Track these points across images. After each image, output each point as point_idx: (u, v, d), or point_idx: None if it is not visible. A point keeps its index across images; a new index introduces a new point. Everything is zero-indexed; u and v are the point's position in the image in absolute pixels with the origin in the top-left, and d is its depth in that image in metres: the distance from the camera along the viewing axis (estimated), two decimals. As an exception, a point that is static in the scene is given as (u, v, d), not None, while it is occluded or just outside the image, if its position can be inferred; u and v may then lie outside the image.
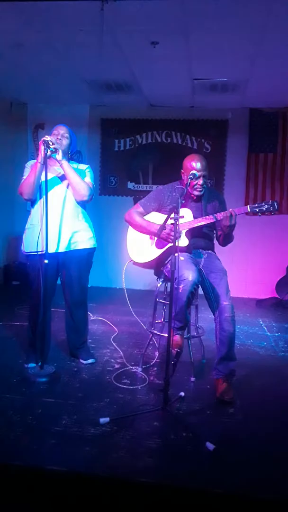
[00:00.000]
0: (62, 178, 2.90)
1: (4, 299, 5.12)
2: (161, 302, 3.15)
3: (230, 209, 2.69)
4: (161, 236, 2.71)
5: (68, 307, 3.05)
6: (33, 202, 2.91)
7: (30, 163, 2.92)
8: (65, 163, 2.80)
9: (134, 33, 3.29)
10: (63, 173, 2.84)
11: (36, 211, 2.87)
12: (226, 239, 2.87)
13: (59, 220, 2.86)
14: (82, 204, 2.95)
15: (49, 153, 2.69)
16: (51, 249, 2.79)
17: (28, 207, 3.00)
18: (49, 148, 2.68)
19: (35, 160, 2.80)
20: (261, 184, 5.50)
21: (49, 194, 2.73)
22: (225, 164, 5.60)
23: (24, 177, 2.86)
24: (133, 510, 1.81)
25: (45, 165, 2.67)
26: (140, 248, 2.97)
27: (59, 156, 2.76)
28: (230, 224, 2.67)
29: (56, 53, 3.78)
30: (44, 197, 2.69)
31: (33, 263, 2.87)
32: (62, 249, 2.86)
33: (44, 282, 2.74)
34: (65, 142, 2.87)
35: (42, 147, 2.67)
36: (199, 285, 2.71)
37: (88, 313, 3.26)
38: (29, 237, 2.88)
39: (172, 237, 2.42)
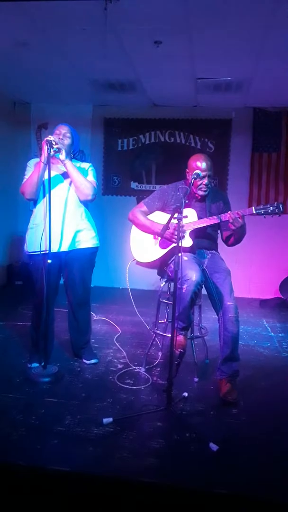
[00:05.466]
0: (65, 177, 2.89)
1: (7, 299, 5.12)
2: (164, 302, 3.14)
3: (236, 211, 2.67)
4: (165, 236, 2.70)
5: (71, 307, 3.04)
6: (35, 202, 2.91)
7: (32, 162, 2.92)
8: (68, 162, 2.79)
9: (137, 32, 3.28)
10: (66, 172, 2.84)
11: (39, 211, 2.87)
12: (237, 241, 2.83)
13: (62, 220, 2.85)
14: (84, 203, 2.95)
15: (52, 152, 2.69)
16: (54, 249, 2.78)
17: (31, 207, 2.99)
18: (53, 147, 2.68)
19: (38, 159, 2.80)
20: (265, 184, 5.48)
21: (52, 193, 2.73)
22: (229, 163, 5.58)
23: (26, 176, 2.86)
24: (136, 510, 1.80)
25: (48, 164, 2.67)
26: (143, 247, 2.96)
27: (62, 156, 2.76)
28: (240, 225, 2.65)
29: (59, 52, 3.78)
30: (48, 196, 2.69)
31: (36, 263, 2.86)
32: (65, 248, 2.86)
33: (48, 282, 2.74)
34: (67, 141, 2.86)
35: (45, 147, 2.67)
36: (203, 285, 2.70)
37: (91, 313, 3.26)
38: (32, 237, 2.88)
39: (176, 237, 2.41)
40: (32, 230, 2.90)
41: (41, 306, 2.85)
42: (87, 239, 2.95)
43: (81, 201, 2.91)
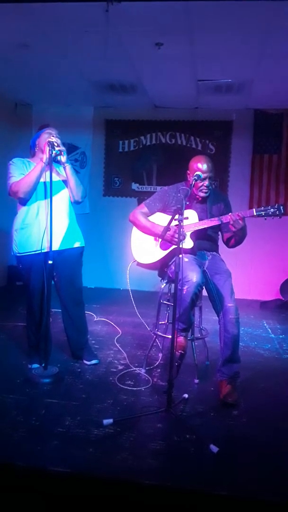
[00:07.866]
0: (60, 178, 2.92)
1: (8, 299, 5.12)
2: (165, 303, 3.14)
3: (237, 213, 2.67)
4: (165, 238, 2.70)
5: (66, 307, 3.01)
6: (23, 201, 2.85)
7: (17, 160, 2.87)
8: (68, 166, 2.83)
9: (138, 34, 3.29)
10: (61, 173, 2.88)
11: (30, 211, 2.84)
12: (237, 242, 2.83)
13: (57, 220, 2.84)
14: (71, 204, 2.98)
15: (54, 154, 2.70)
16: (48, 248, 2.77)
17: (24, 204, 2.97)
18: (54, 149, 2.69)
19: (21, 158, 2.84)
20: (265, 185, 5.48)
21: (47, 194, 2.74)
22: (229, 165, 5.59)
23: (15, 175, 2.80)
24: (136, 511, 1.81)
25: (50, 166, 2.68)
26: (144, 249, 2.97)
27: (64, 158, 2.78)
28: (241, 227, 2.65)
29: (61, 54, 3.79)
30: (50, 197, 2.70)
31: (26, 264, 2.87)
32: (57, 247, 2.87)
33: (41, 282, 2.76)
34: None
35: (47, 148, 2.68)
36: (203, 287, 2.70)
37: (92, 314, 3.26)
38: (23, 238, 2.86)
39: (176, 239, 2.41)
40: (23, 230, 2.86)
41: (37, 308, 2.87)
42: (77, 239, 2.99)
43: (71, 202, 2.95)
